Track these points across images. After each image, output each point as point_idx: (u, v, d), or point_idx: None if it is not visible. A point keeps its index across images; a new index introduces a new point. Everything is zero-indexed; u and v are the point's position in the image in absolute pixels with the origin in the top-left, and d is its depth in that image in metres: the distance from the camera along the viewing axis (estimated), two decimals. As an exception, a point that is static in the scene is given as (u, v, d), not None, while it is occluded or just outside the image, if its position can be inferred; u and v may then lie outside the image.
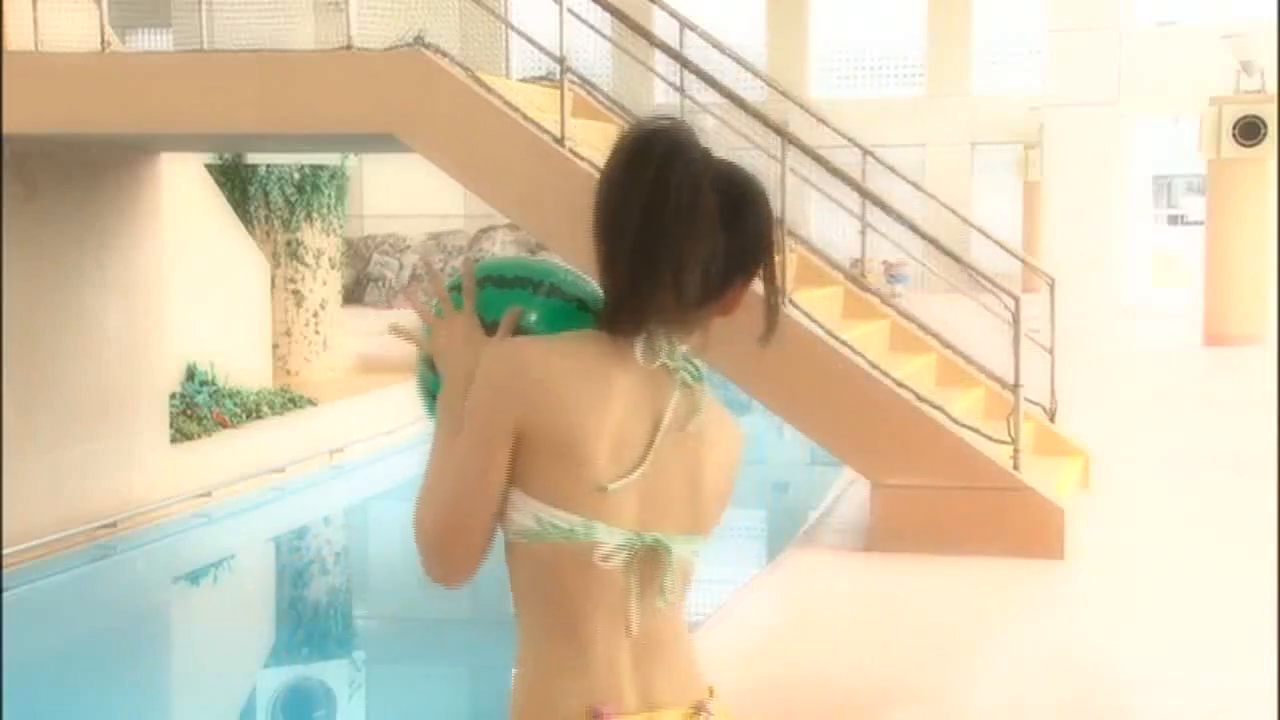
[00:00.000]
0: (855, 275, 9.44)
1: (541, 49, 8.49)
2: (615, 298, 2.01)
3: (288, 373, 15.24)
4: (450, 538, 2.04)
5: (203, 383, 12.69)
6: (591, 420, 1.97)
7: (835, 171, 8.30)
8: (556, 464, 1.97)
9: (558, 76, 8.25)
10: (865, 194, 8.76)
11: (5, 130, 8.18)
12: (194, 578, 10.76)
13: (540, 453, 1.97)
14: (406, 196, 25.33)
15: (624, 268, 1.99)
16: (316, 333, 15.96)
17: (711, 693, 2.12)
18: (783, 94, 10.60)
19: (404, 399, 14.70)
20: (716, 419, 2.10)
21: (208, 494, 11.02)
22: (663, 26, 9.61)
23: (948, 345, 8.84)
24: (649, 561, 2.01)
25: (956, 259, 8.28)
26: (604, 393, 1.98)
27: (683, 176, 1.97)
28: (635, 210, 1.97)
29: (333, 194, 16.24)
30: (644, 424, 2.01)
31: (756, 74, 10.67)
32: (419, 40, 7.98)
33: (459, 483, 2.02)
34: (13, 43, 8.73)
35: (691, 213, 1.97)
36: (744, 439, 2.17)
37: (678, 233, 1.97)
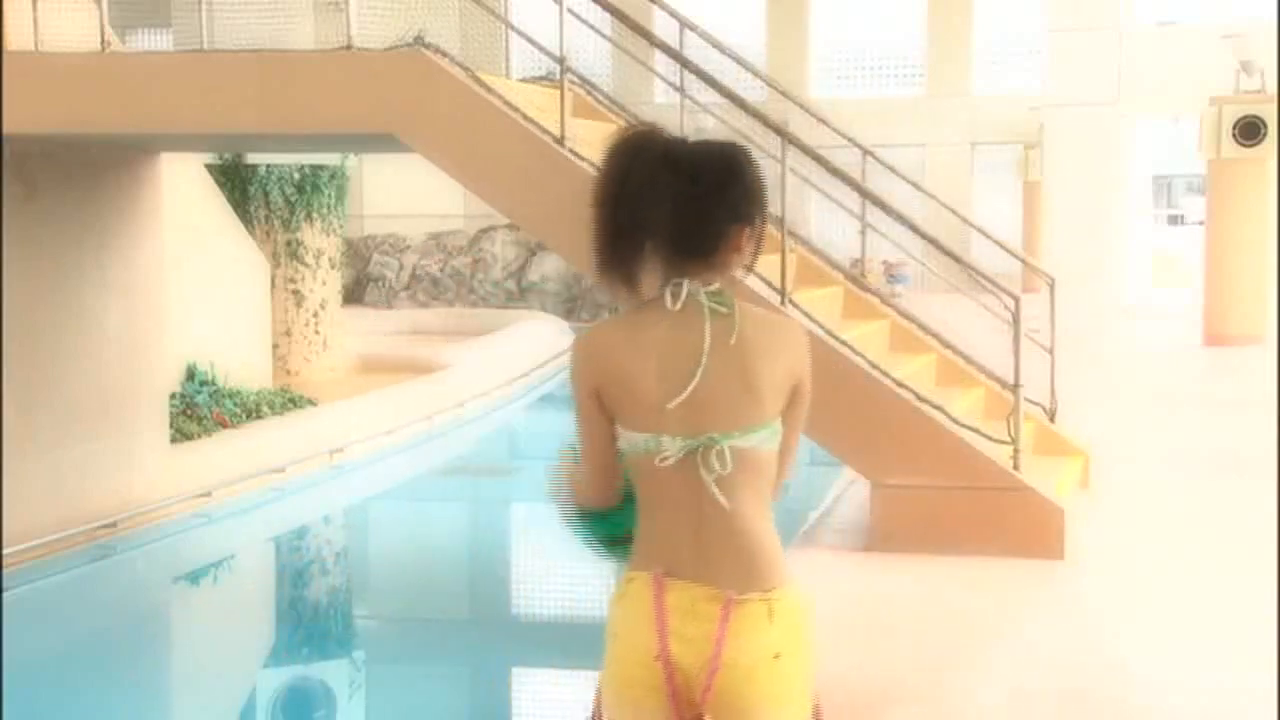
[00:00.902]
0: (855, 275, 9.44)
1: (541, 49, 8.48)
2: (599, 258, 2.74)
3: (288, 373, 15.24)
4: (593, 476, 2.85)
5: (203, 383, 12.70)
6: (636, 367, 2.72)
7: (835, 171, 8.30)
8: (625, 403, 2.74)
9: (558, 76, 8.25)
10: (865, 194, 8.75)
11: (5, 130, 8.17)
12: (194, 578, 10.76)
13: (613, 399, 2.75)
14: (406, 196, 25.33)
15: (604, 237, 2.73)
16: (316, 333, 15.97)
17: (778, 588, 2.74)
18: (783, 94, 10.59)
19: (404, 399, 14.73)
20: (764, 327, 2.78)
21: (208, 494, 11.02)
22: (663, 26, 9.61)
23: (948, 345, 8.84)
24: (706, 456, 2.70)
25: (956, 259, 8.27)
26: (643, 343, 2.73)
27: (642, 166, 2.70)
28: (610, 195, 2.72)
29: (333, 194, 16.25)
30: (686, 352, 2.71)
31: (756, 74, 10.66)
32: (419, 40, 7.97)
33: (584, 440, 2.82)
34: (13, 43, 8.73)
35: (651, 191, 2.69)
36: (805, 340, 2.83)
37: (640, 208, 2.70)
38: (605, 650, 2.79)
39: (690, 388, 2.68)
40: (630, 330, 2.75)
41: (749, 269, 2.78)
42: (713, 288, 2.74)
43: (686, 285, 2.72)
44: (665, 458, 2.69)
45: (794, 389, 2.78)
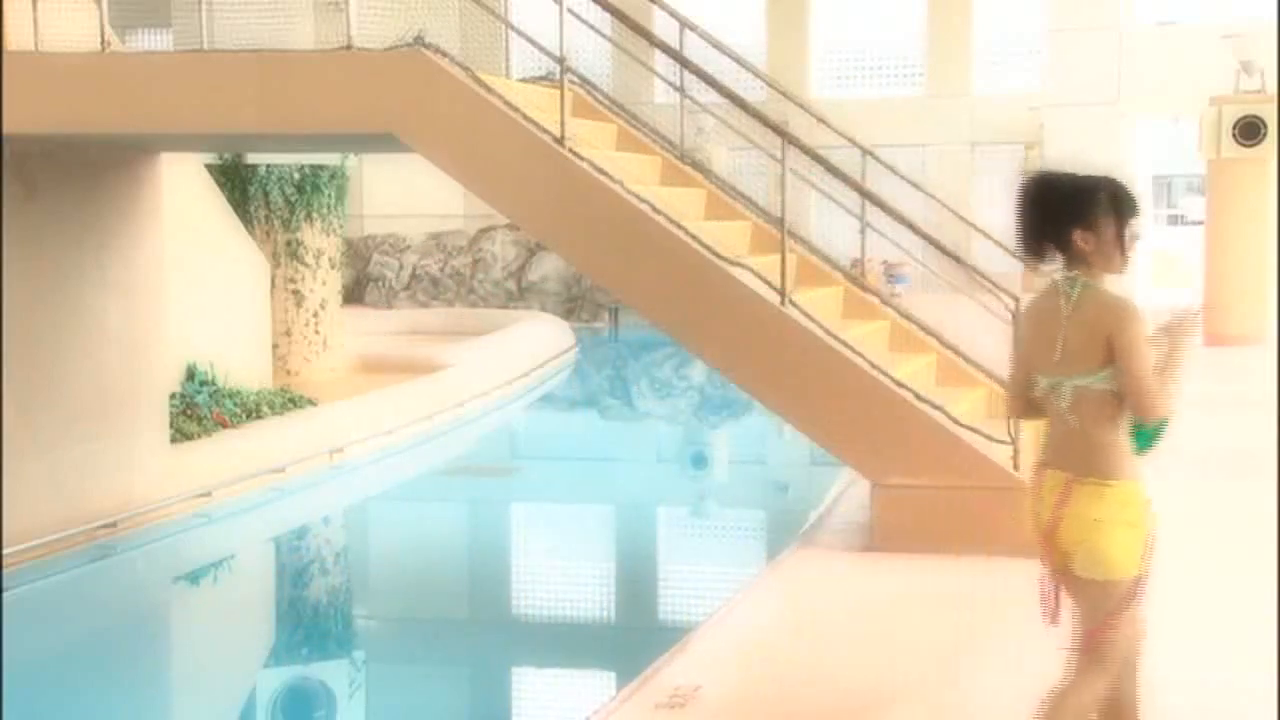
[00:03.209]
0: (855, 275, 9.44)
1: (541, 49, 8.48)
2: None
3: (288, 373, 15.24)
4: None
5: (203, 383, 12.69)
6: (1029, 330, 4.17)
7: (835, 171, 8.30)
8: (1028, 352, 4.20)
9: (558, 76, 8.25)
10: (865, 194, 8.75)
11: (5, 130, 8.17)
12: (194, 578, 10.76)
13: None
14: (406, 196, 25.32)
15: None
16: (316, 333, 15.97)
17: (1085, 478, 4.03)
18: (783, 94, 10.59)
19: (404, 399, 14.73)
20: (1099, 307, 3.99)
21: (208, 494, 11.02)
22: (663, 26, 9.61)
23: (948, 345, 8.84)
24: (1057, 391, 4.05)
25: (956, 259, 8.27)
26: (1037, 311, 4.13)
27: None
28: None
29: (333, 194, 16.25)
30: (1059, 320, 4.02)
31: (756, 74, 10.66)
32: (419, 40, 7.98)
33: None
34: (13, 43, 8.73)
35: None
36: (1122, 315, 3.97)
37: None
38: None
39: (1060, 346, 4.01)
40: (1033, 304, 4.16)
41: (1105, 262, 4.03)
42: (1071, 274, 4.02)
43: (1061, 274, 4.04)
44: (1038, 391, 4.09)
45: (1108, 346, 3.95)
